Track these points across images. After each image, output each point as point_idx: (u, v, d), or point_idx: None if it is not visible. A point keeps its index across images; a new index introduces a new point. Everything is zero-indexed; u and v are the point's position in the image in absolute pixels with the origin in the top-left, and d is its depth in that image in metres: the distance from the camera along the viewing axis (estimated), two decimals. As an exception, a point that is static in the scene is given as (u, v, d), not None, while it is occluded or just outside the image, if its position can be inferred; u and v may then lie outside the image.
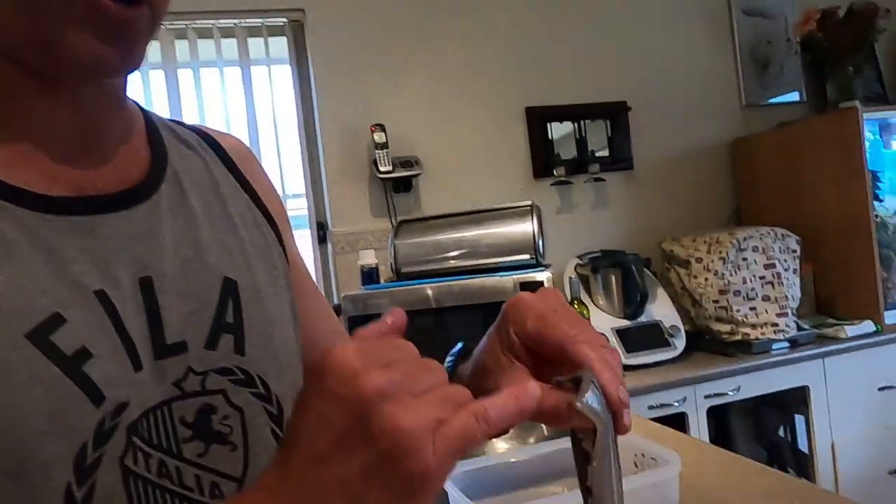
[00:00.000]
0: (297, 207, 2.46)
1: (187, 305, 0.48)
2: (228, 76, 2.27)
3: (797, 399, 2.17)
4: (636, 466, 0.83)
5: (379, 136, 2.25)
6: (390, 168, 2.24)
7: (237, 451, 0.49)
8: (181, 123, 0.61)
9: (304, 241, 2.45)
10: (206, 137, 0.61)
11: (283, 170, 2.36)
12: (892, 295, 2.32)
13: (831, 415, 2.14)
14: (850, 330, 2.18)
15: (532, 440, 1.13)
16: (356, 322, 1.80)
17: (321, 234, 2.40)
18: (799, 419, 2.29)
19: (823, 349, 2.13)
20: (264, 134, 2.33)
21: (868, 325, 2.20)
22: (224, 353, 0.50)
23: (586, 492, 0.40)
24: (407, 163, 2.29)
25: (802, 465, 2.23)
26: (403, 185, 2.35)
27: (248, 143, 0.67)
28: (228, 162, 0.61)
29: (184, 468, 0.45)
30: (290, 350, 0.57)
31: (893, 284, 2.35)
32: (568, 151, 2.54)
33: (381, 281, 2.06)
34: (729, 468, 1.06)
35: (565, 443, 0.93)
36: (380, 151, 2.25)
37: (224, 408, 0.49)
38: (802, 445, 2.29)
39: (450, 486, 0.80)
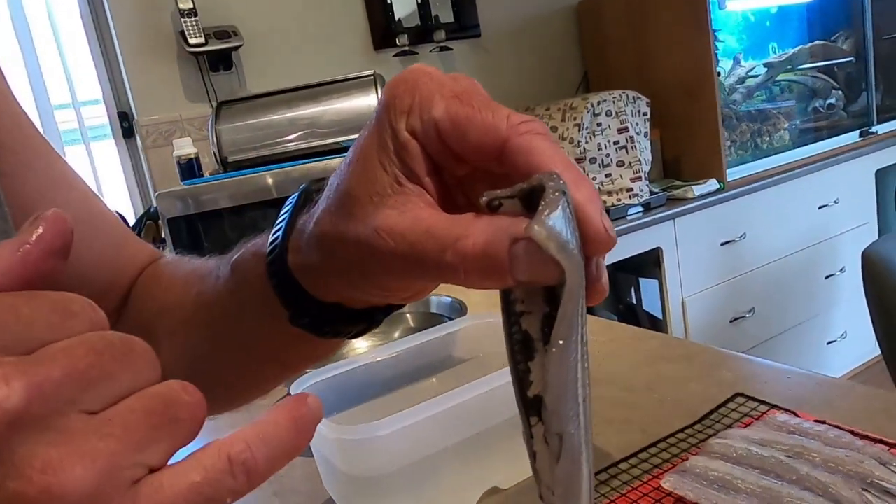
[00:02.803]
0: (96, 115, 2.04)
1: None
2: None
3: (650, 261, 2.20)
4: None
5: (184, 1, 1.86)
6: (202, 40, 1.88)
7: None
8: None
9: (108, 148, 2.06)
10: None
11: (71, 72, 1.93)
12: (732, 153, 2.38)
13: (682, 273, 2.20)
14: (697, 189, 2.21)
15: (397, 335, 0.99)
16: (179, 225, 1.51)
17: (125, 126, 2.01)
18: (645, 282, 2.35)
19: (674, 210, 2.15)
20: (38, 28, 1.86)
21: (713, 184, 2.25)
22: None
23: (532, 404, 0.21)
24: (223, 33, 1.93)
25: (655, 325, 2.31)
26: (222, 63, 1.99)
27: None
28: None
29: None
30: None
31: (733, 142, 2.41)
32: (410, 19, 2.28)
33: (206, 174, 1.75)
34: (611, 336, 0.98)
35: (436, 332, 0.78)
36: (187, 20, 1.86)
37: None
38: (649, 306, 2.37)
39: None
